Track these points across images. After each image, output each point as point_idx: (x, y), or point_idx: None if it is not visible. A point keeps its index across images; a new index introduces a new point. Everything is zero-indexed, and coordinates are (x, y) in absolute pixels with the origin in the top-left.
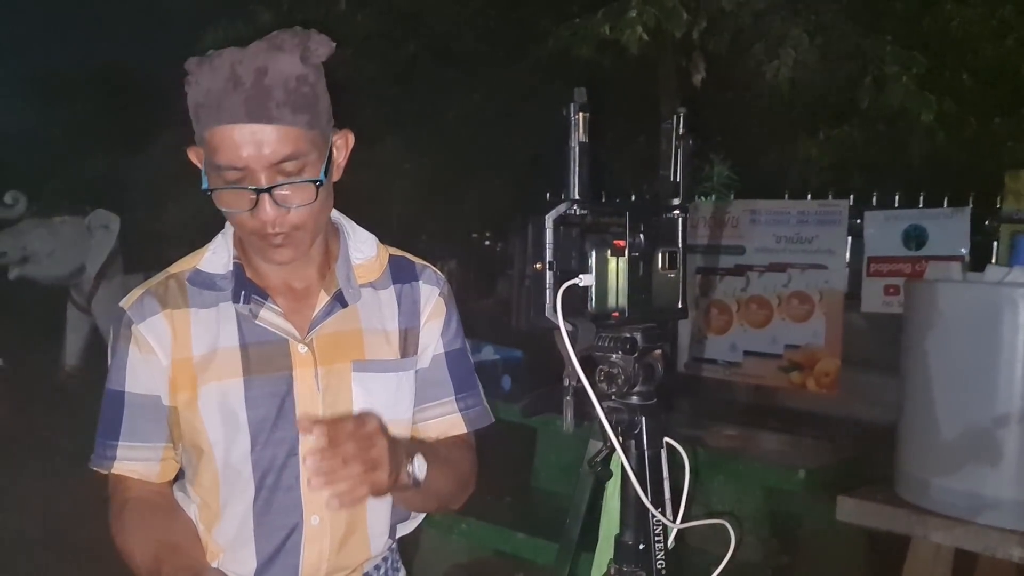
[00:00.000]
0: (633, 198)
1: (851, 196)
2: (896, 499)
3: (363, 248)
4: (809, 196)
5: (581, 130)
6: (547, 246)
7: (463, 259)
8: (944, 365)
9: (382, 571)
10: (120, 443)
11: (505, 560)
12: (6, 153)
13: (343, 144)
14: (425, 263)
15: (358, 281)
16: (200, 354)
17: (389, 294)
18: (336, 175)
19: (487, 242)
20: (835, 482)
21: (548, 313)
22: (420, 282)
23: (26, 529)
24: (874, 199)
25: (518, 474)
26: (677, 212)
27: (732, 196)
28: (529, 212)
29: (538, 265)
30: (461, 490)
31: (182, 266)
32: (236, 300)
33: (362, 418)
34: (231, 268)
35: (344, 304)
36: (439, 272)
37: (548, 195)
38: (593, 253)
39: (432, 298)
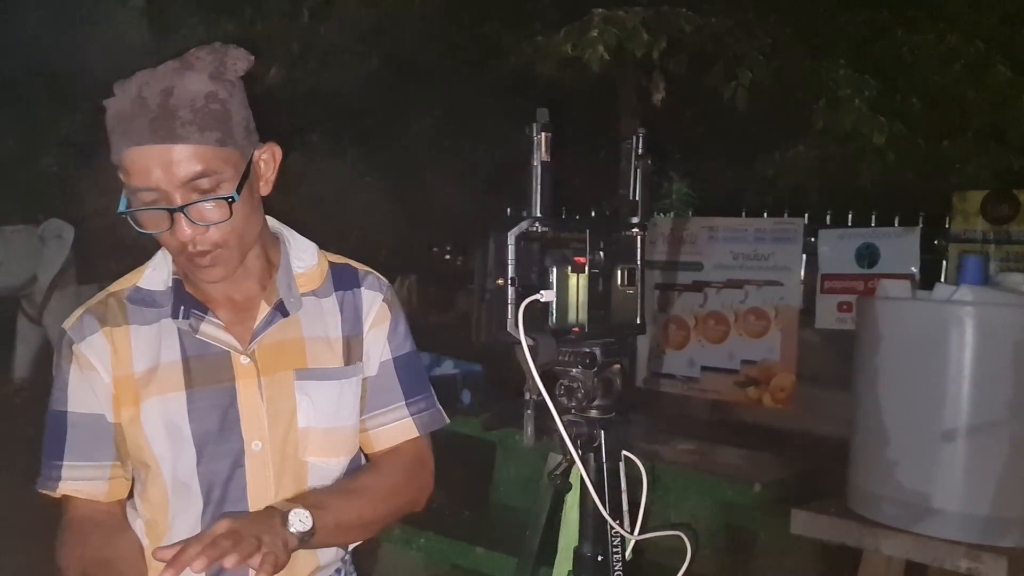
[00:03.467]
0: (593, 215)
1: (806, 215)
2: (848, 512)
3: (304, 257)
4: (765, 214)
5: (543, 149)
6: (509, 262)
7: (423, 274)
8: (894, 381)
9: None
10: (64, 463)
11: (464, 574)
12: None
13: (269, 158)
14: (368, 269)
15: (300, 290)
16: (141, 370)
17: (331, 302)
18: (265, 189)
19: (447, 256)
20: (789, 496)
21: (510, 328)
22: (362, 288)
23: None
24: (828, 218)
25: (477, 488)
26: (636, 230)
27: (690, 213)
28: (490, 227)
29: (500, 281)
30: (402, 499)
31: (122, 284)
32: (175, 316)
33: (220, 523)
34: (170, 284)
35: (285, 314)
36: (382, 278)
37: (509, 211)
38: (554, 269)
39: (375, 304)
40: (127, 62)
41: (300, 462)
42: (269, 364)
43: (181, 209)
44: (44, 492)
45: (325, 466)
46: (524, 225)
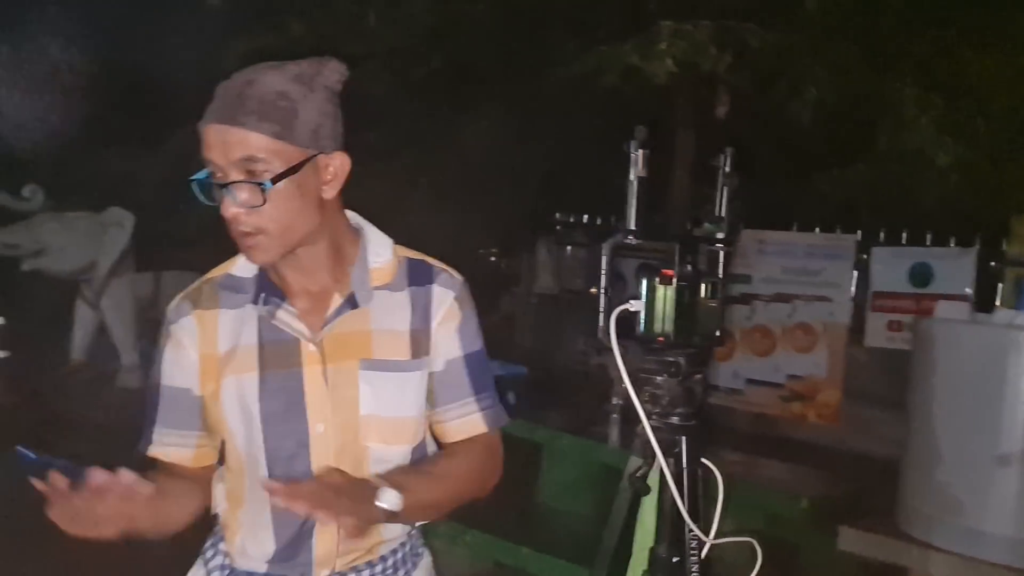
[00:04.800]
0: (665, 225)
1: (859, 231)
2: (898, 531)
3: (380, 252)
4: (817, 229)
5: (640, 166)
6: (602, 272)
7: (469, 275)
8: (949, 402)
9: (399, 555)
10: (156, 429)
11: (506, 572)
12: (25, 148)
13: (336, 166)
14: (444, 267)
15: (373, 284)
16: (224, 350)
17: (403, 296)
18: (328, 193)
19: (492, 259)
20: (835, 512)
21: (601, 335)
22: (435, 285)
23: (23, 519)
24: (881, 235)
25: (522, 489)
26: (721, 245)
27: (741, 225)
28: (538, 232)
29: (592, 289)
30: (472, 488)
31: (217, 271)
32: (255, 302)
33: (333, 473)
34: (256, 272)
35: (355, 306)
36: (456, 275)
37: (556, 215)
38: (643, 281)
39: (446, 301)
40: (195, 59)
41: (361, 447)
42: (335, 353)
43: (226, 186)
44: (141, 452)
45: (385, 452)
46: (618, 237)
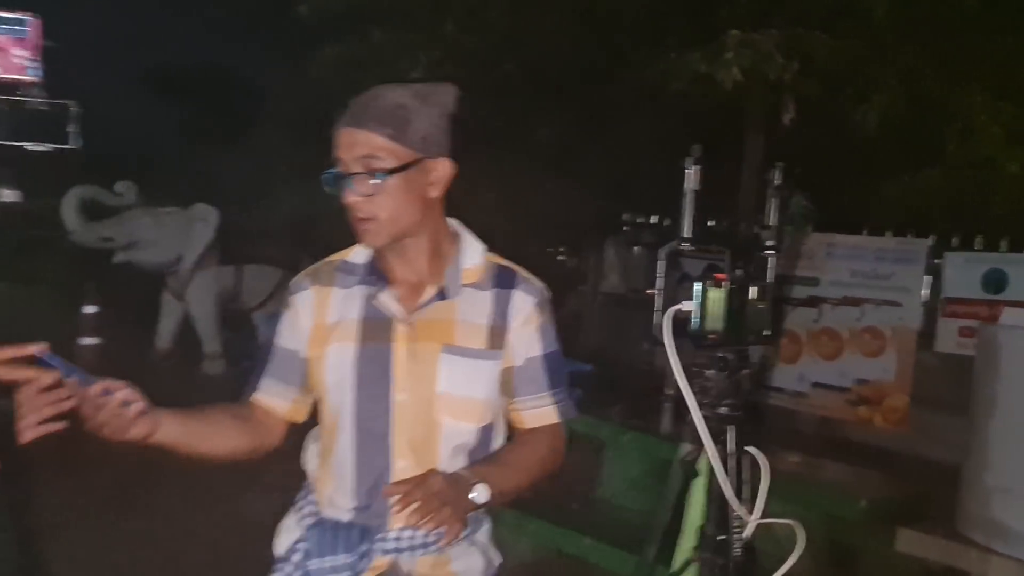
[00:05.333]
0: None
1: (931, 236)
2: (957, 534)
3: (472, 255)
4: (888, 233)
5: (695, 180)
6: (658, 275)
7: (536, 274)
8: (1012, 408)
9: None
10: (263, 379)
11: (567, 562)
12: (119, 145)
13: (441, 170)
14: (528, 276)
15: (463, 281)
16: (332, 321)
17: (488, 295)
18: (432, 192)
19: (559, 257)
20: (895, 514)
21: (655, 332)
22: (517, 290)
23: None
24: (954, 240)
25: (584, 484)
26: (770, 252)
27: (810, 229)
28: (605, 232)
29: (649, 291)
30: (540, 474)
31: (336, 256)
32: (363, 284)
33: (433, 479)
34: (368, 260)
35: (444, 298)
36: (538, 283)
37: (624, 216)
38: (697, 284)
39: (527, 306)
40: (282, 64)
41: (435, 419)
42: (422, 335)
43: (348, 177)
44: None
45: (455, 427)
46: (674, 244)
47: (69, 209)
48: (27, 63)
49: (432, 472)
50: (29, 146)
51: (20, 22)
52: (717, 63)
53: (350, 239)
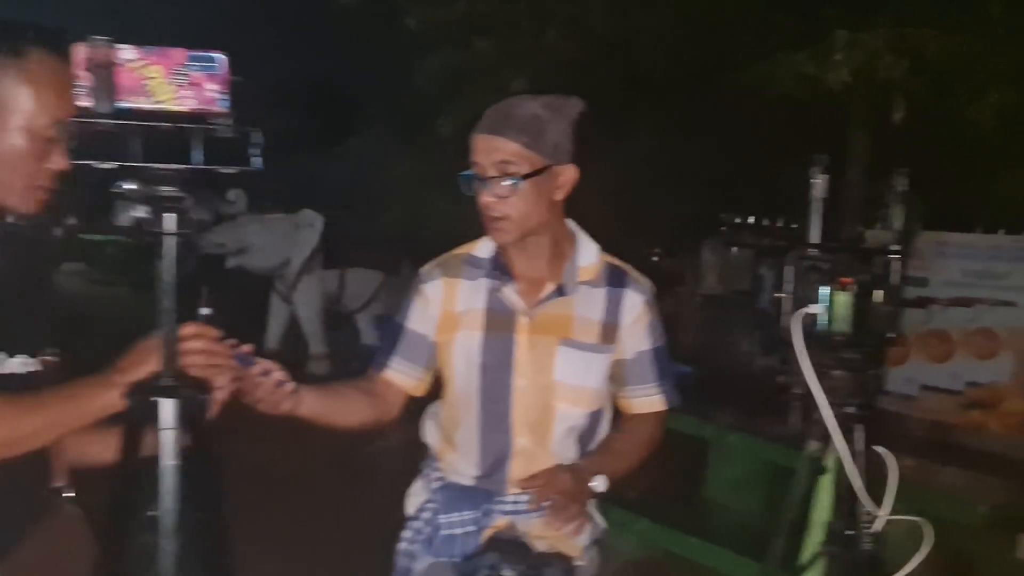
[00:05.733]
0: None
1: None
2: None
3: (588, 255)
4: (1002, 231)
5: (822, 189)
6: (787, 280)
7: None
8: None
9: None
10: (393, 358)
11: (674, 562)
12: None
13: (567, 175)
14: (639, 277)
15: (579, 279)
16: (460, 310)
17: (601, 293)
18: (558, 195)
19: (654, 259)
20: (1016, 522)
21: (785, 334)
22: (628, 289)
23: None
24: None
25: (689, 484)
26: (894, 256)
27: (919, 228)
28: (703, 232)
29: (778, 294)
30: (644, 457)
31: (463, 250)
32: (488, 277)
33: (562, 476)
34: (492, 255)
35: (562, 294)
36: (647, 282)
37: (722, 217)
38: (824, 288)
39: (637, 304)
40: (386, 74)
41: (550, 404)
42: (542, 327)
43: (485, 181)
44: (372, 372)
45: (568, 412)
46: (802, 250)
47: None
48: (217, 96)
49: (559, 468)
50: (221, 169)
51: (211, 59)
52: (825, 64)
53: (448, 243)
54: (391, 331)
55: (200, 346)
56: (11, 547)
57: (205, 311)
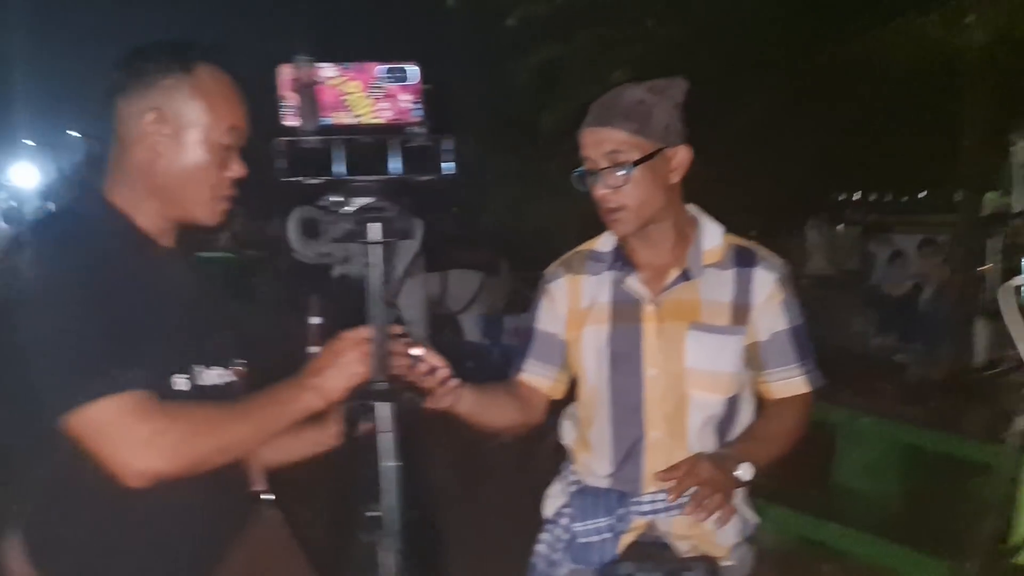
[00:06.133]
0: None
1: None
2: None
3: (712, 237)
4: None
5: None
6: (992, 251)
7: None
8: None
9: None
10: (527, 361)
11: (809, 549)
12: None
13: (681, 157)
14: (768, 254)
15: (704, 262)
16: (585, 306)
17: (729, 274)
18: (674, 178)
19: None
20: None
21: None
22: (757, 268)
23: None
24: None
25: (818, 470)
26: None
27: None
28: (806, 211)
29: (988, 265)
30: (790, 444)
31: (585, 246)
32: (611, 269)
33: (702, 465)
34: (614, 248)
35: (688, 278)
36: (778, 260)
37: (828, 195)
38: None
39: (769, 283)
40: (487, 72)
41: (684, 393)
42: (669, 314)
43: (597, 173)
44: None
45: (704, 399)
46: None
47: (293, 230)
48: (411, 105)
49: (699, 457)
50: (418, 177)
51: (404, 71)
52: (956, 26)
53: (545, 241)
54: (524, 335)
55: (402, 349)
56: (222, 555)
57: (315, 320)
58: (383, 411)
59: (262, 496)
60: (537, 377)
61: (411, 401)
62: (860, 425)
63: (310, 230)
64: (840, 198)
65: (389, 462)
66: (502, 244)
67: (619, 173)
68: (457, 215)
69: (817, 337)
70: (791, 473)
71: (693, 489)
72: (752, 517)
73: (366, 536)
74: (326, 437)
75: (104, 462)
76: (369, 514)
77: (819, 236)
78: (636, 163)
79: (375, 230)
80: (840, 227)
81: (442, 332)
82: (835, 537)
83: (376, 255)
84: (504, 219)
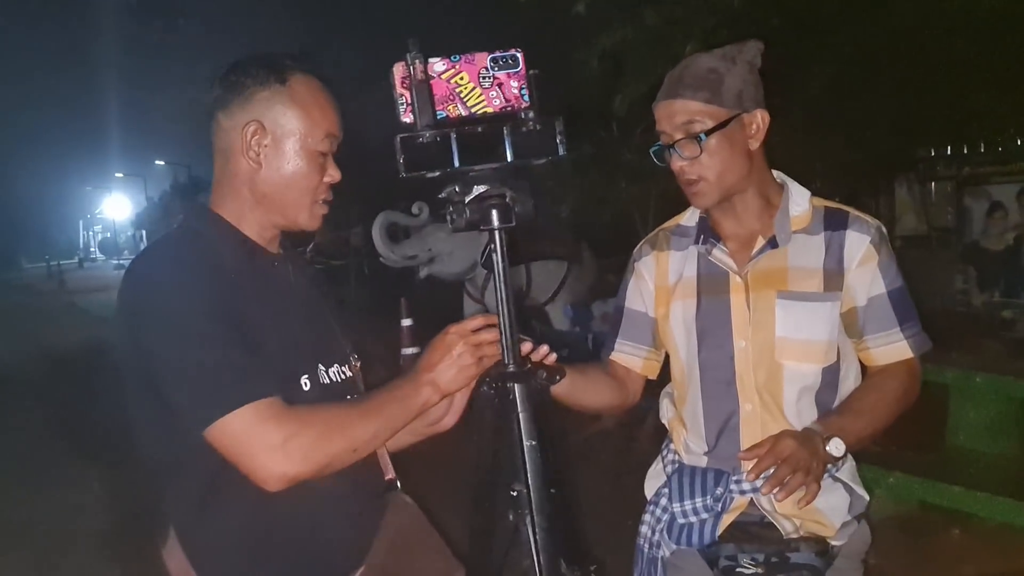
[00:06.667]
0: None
1: None
2: None
3: (800, 202)
4: None
5: None
6: None
7: None
8: None
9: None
10: (617, 340)
11: (930, 513)
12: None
13: (759, 122)
14: (860, 215)
15: (792, 228)
16: (672, 281)
17: (819, 239)
18: (753, 145)
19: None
20: None
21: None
22: (849, 230)
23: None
24: None
25: (932, 432)
26: None
27: None
28: (894, 170)
29: None
30: (896, 412)
31: (670, 223)
32: (696, 242)
33: (784, 443)
34: (698, 221)
35: (775, 246)
36: (871, 221)
37: (916, 152)
38: None
39: (862, 245)
40: (555, 60)
41: (776, 363)
42: (757, 284)
43: (672, 145)
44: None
45: (797, 369)
46: None
47: (378, 234)
48: (519, 92)
49: (783, 435)
50: (533, 160)
51: (511, 58)
52: None
53: (630, 228)
54: (615, 314)
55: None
56: (367, 545)
57: (407, 322)
58: (520, 392)
59: (396, 485)
60: (628, 356)
61: (548, 380)
62: (974, 384)
63: (394, 235)
64: (930, 154)
65: (530, 441)
66: (583, 232)
67: (694, 143)
68: (535, 206)
69: (916, 298)
70: (906, 438)
71: (775, 467)
72: (863, 493)
73: (510, 514)
74: (436, 424)
75: (243, 469)
76: (512, 493)
77: (910, 195)
78: (710, 131)
79: (496, 216)
80: (931, 184)
81: (531, 324)
82: (959, 500)
83: (499, 241)
84: (584, 207)
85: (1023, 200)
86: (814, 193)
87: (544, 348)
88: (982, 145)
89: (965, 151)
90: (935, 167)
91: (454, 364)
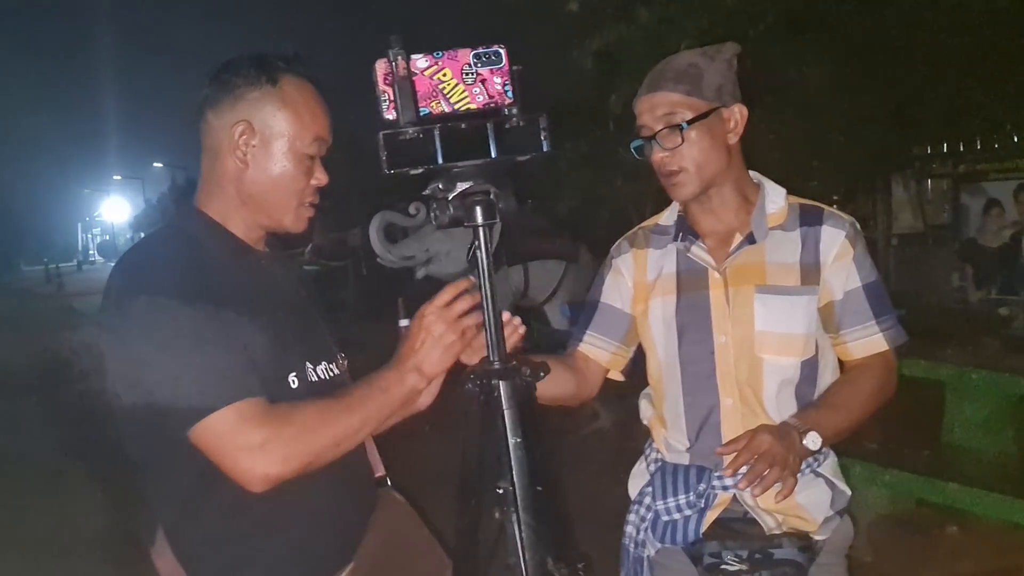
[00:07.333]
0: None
1: None
2: None
3: (775, 199)
4: None
5: None
6: None
7: None
8: None
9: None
10: (588, 332)
11: (927, 510)
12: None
13: (737, 116)
14: (833, 211)
15: (769, 225)
16: (651, 278)
17: (795, 235)
18: (731, 139)
19: (832, 207)
20: None
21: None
22: (824, 226)
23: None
24: None
25: (928, 429)
26: None
27: None
28: (889, 168)
29: None
30: (874, 406)
31: (649, 221)
32: (675, 239)
33: (760, 438)
34: (676, 219)
35: (753, 242)
36: (845, 217)
37: (911, 150)
38: None
39: (837, 240)
40: (554, 51)
41: (756, 357)
42: (736, 279)
43: (653, 136)
44: (570, 346)
45: (777, 362)
46: None
47: (375, 235)
48: (503, 88)
49: (760, 430)
50: (517, 157)
51: (494, 54)
52: None
53: (620, 224)
54: (587, 308)
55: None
56: (356, 541)
57: (405, 322)
58: (505, 389)
59: (385, 482)
60: (597, 349)
61: (532, 377)
62: (970, 381)
63: (391, 235)
64: (927, 151)
65: (515, 438)
66: (581, 232)
67: (673, 134)
68: (532, 206)
69: (913, 296)
70: (902, 435)
71: (750, 462)
72: (845, 489)
73: (496, 512)
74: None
75: (224, 470)
76: (498, 490)
77: (906, 193)
78: (691, 122)
79: (480, 213)
80: (928, 181)
81: (528, 324)
82: (955, 497)
83: (483, 238)
84: (582, 207)
85: (1020, 197)
86: (812, 193)
87: (516, 319)
88: (979, 142)
89: (962, 148)
90: (931, 164)
91: (437, 344)
